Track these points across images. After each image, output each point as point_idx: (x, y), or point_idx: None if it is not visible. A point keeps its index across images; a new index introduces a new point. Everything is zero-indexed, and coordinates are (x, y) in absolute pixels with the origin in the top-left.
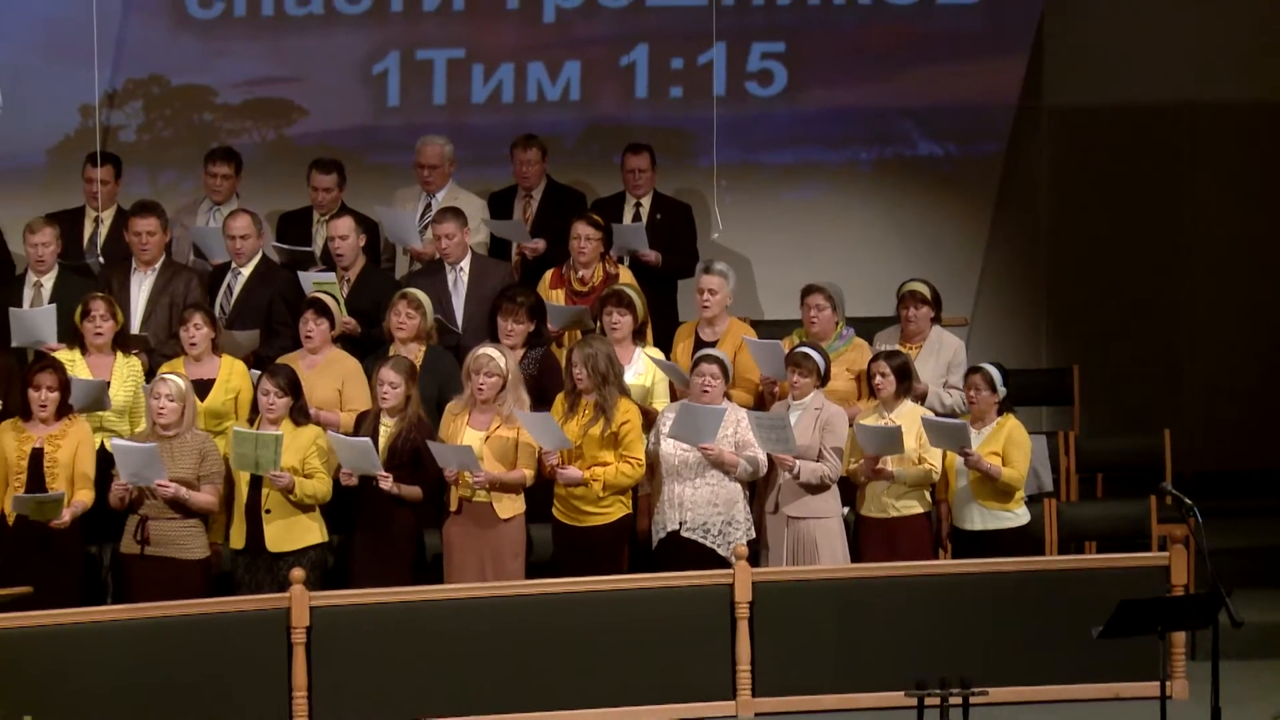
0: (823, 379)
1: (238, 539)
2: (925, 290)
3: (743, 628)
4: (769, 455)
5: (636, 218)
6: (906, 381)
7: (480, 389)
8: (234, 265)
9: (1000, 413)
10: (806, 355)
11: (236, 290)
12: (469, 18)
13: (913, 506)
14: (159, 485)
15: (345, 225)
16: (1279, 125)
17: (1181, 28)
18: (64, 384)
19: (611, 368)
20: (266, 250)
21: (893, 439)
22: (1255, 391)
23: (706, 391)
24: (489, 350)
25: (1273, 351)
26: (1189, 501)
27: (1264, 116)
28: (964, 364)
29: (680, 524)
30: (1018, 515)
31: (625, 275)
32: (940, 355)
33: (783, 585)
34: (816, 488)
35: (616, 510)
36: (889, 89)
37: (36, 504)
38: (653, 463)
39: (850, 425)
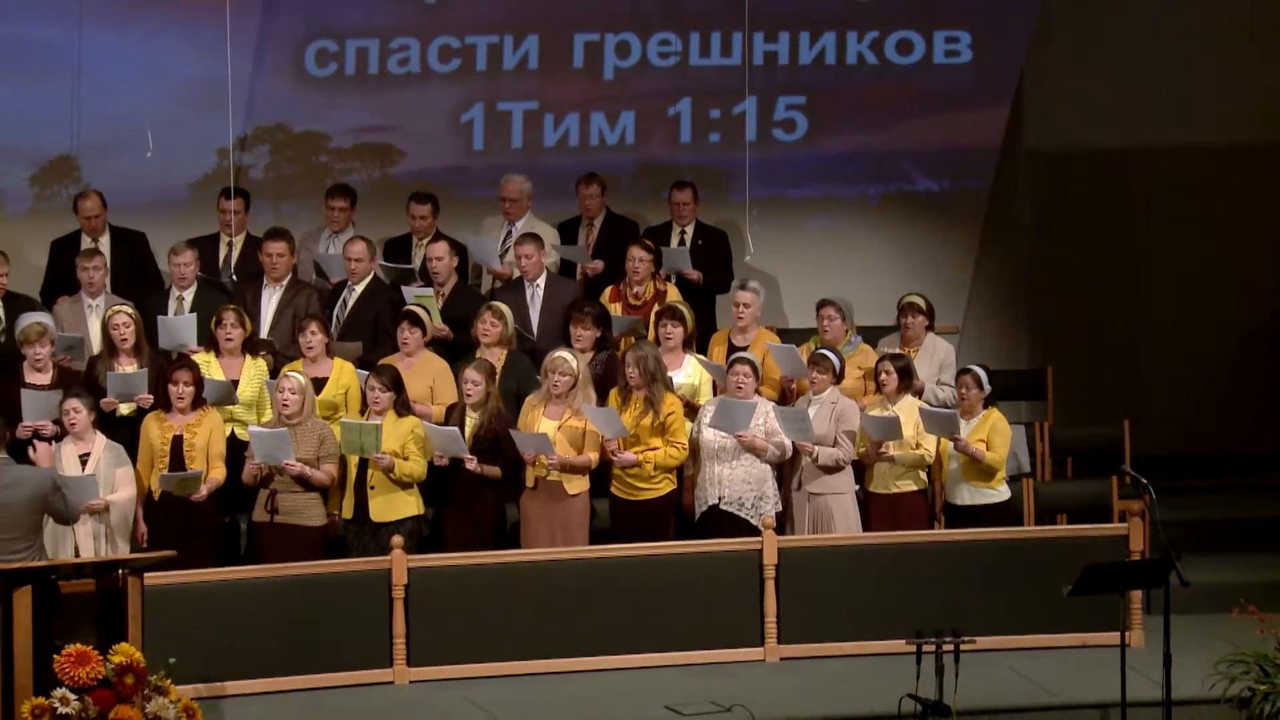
0: (838, 377)
1: (348, 510)
2: (922, 303)
3: (770, 586)
4: (793, 442)
5: (681, 242)
6: (907, 379)
7: (555, 386)
8: (349, 283)
9: (985, 406)
10: (825, 357)
11: (350, 304)
12: (541, 75)
13: (911, 485)
14: (286, 464)
15: (441, 248)
16: (1226, 165)
17: (1141, 83)
18: (198, 380)
19: (659, 368)
20: (375, 270)
21: (894, 428)
22: (1200, 390)
23: (740, 388)
24: (563, 353)
25: (1217, 359)
26: (1144, 481)
27: (1213, 158)
28: (955, 365)
29: (719, 499)
30: (1000, 493)
31: (672, 291)
32: (935, 357)
33: (804, 550)
34: (832, 468)
35: (665, 487)
36: (892, 135)
37: (179, 481)
38: (695, 448)
39: (860, 417)
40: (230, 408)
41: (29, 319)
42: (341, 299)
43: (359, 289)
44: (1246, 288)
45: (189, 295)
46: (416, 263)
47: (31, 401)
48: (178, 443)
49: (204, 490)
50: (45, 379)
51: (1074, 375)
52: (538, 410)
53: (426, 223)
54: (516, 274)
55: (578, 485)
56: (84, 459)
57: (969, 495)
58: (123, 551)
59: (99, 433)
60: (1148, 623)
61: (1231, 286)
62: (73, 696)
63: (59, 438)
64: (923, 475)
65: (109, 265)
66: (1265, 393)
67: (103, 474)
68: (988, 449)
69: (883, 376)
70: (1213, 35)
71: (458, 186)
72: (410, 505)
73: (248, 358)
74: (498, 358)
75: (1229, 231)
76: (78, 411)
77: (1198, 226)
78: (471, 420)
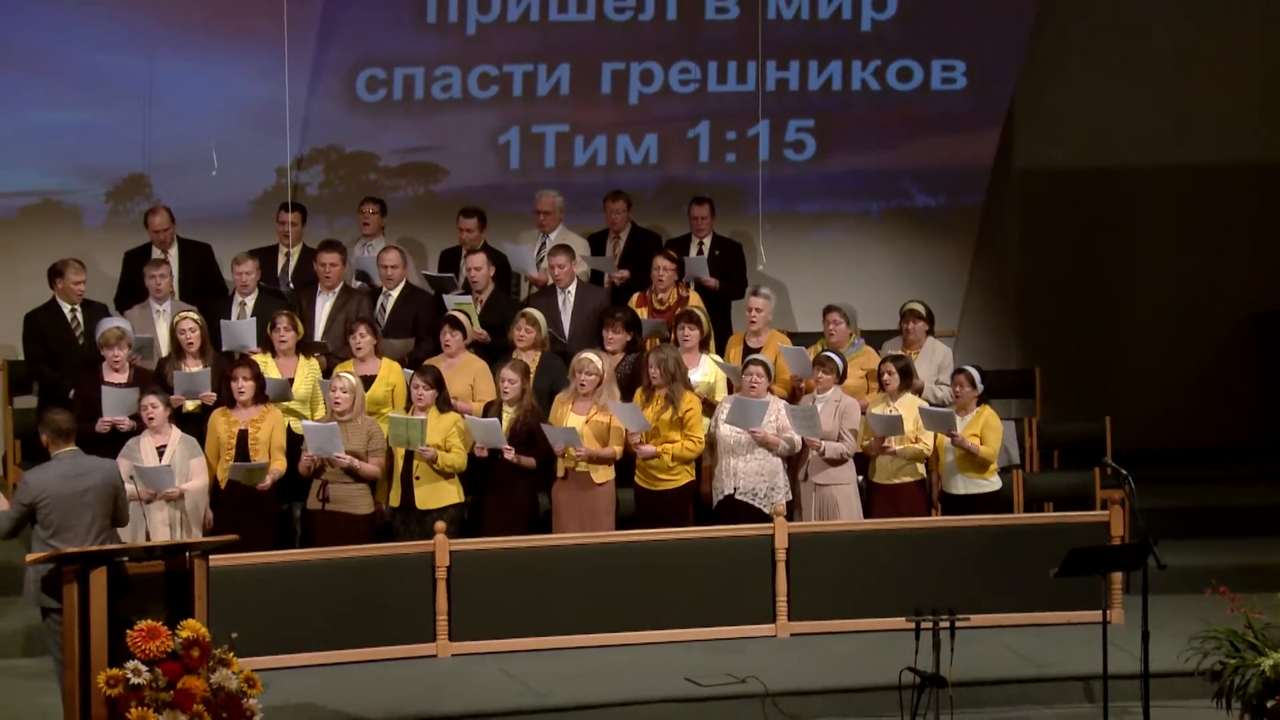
0: (841, 377)
1: (395, 499)
2: (921, 309)
3: (780, 569)
4: (802, 437)
5: (700, 253)
6: (908, 379)
7: (582, 384)
8: (385, 289)
9: (979, 404)
10: (829, 359)
11: (389, 308)
12: (572, 100)
13: (910, 476)
14: (337, 457)
15: (480, 259)
16: (1201, 184)
17: (1122, 109)
18: (258, 377)
19: (679, 368)
20: (411, 277)
21: (897, 425)
22: (1176, 390)
23: (754, 387)
24: (590, 355)
25: (1192, 361)
26: (1124, 472)
27: (1188, 177)
28: (951, 366)
29: (734, 489)
30: (992, 483)
31: (693, 297)
32: (933, 359)
33: (811, 536)
34: (837, 461)
35: (684, 478)
36: (893, 155)
37: (247, 471)
38: (712, 442)
39: (863, 413)
40: (286, 404)
41: (109, 323)
42: (379, 303)
43: (395, 294)
44: (1219, 297)
45: (251, 301)
46: (462, 272)
47: (111, 398)
48: (243, 436)
49: (268, 480)
50: (123, 378)
51: (1060, 375)
52: (567, 406)
53: (474, 235)
54: (550, 281)
55: (604, 475)
56: (161, 450)
57: (964, 485)
58: (195, 535)
59: (174, 426)
60: (1127, 602)
61: (1205, 295)
62: (144, 668)
63: (135, 432)
64: (921, 467)
65: (176, 274)
66: (1235, 393)
67: (178, 464)
68: (981, 443)
69: (885, 376)
70: (1185, 66)
71: (496, 202)
72: (452, 494)
73: (301, 358)
74: (532, 359)
75: (1203, 244)
76: (155, 407)
77: (1174, 240)
78: (508, 415)
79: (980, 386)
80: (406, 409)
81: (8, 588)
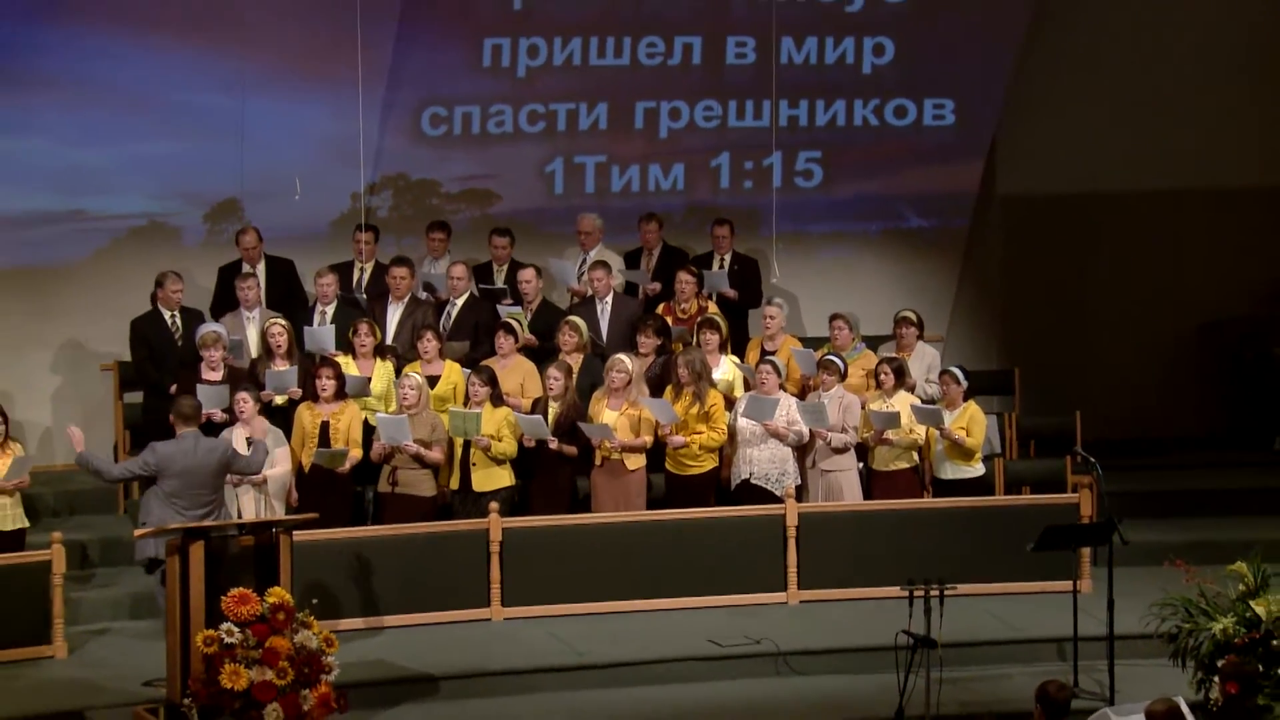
0: (844, 376)
1: (455, 482)
2: (913, 316)
3: (791, 544)
4: (810, 429)
5: (721, 267)
6: (902, 378)
7: (613, 381)
8: (451, 298)
9: (965, 400)
10: (831, 361)
11: (454, 315)
12: (610, 135)
13: (905, 463)
14: (405, 445)
15: (530, 273)
16: (1160, 207)
17: (1092, 142)
18: (338, 376)
19: (704, 368)
20: (471, 288)
21: (894, 420)
22: (1138, 388)
23: (764, 384)
24: (621, 356)
25: (1151, 363)
26: (1092, 460)
27: (1149, 201)
28: (939, 367)
29: (750, 474)
30: (977, 469)
31: (713, 307)
32: (924, 361)
33: (818, 515)
34: (841, 450)
35: (708, 464)
36: (891, 182)
37: (330, 456)
38: (732, 433)
39: (863, 408)
40: (365, 399)
41: (206, 328)
42: (446, 311)
43: (459, 303)
44: (1173, 307)
45: (330, 310)
46: (498, 283)
47: (205, 394)
48: (324, 427)
49: (347, 465)
50: (217, 376)
51: (1036, 375)
52: (602, 403)
53: (505, 251)
54: (590, 293)
55: (636, 462)
56: (250, 440)
57: (951, 471)
58: (279, 514)
59: (263, 418)
60: (1095, 573)
61: (1161, 306)
62: (236, 629)
63: (227, 423)
64: (914, 455)
65: (264, 286)
66: (1188, 391)
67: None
68: (967, 435)
69: (882, 376)
70: (1147, 106)
71: (542, 223)
72: (504, 478)
73: (377, 360)
74: (575, 361)
75: (1159, 262)
76: (246, 402)
77: (1135, 258)
78: (553, 410)
79: (965, 385)
80: (465, 404)
81: (116, 559)
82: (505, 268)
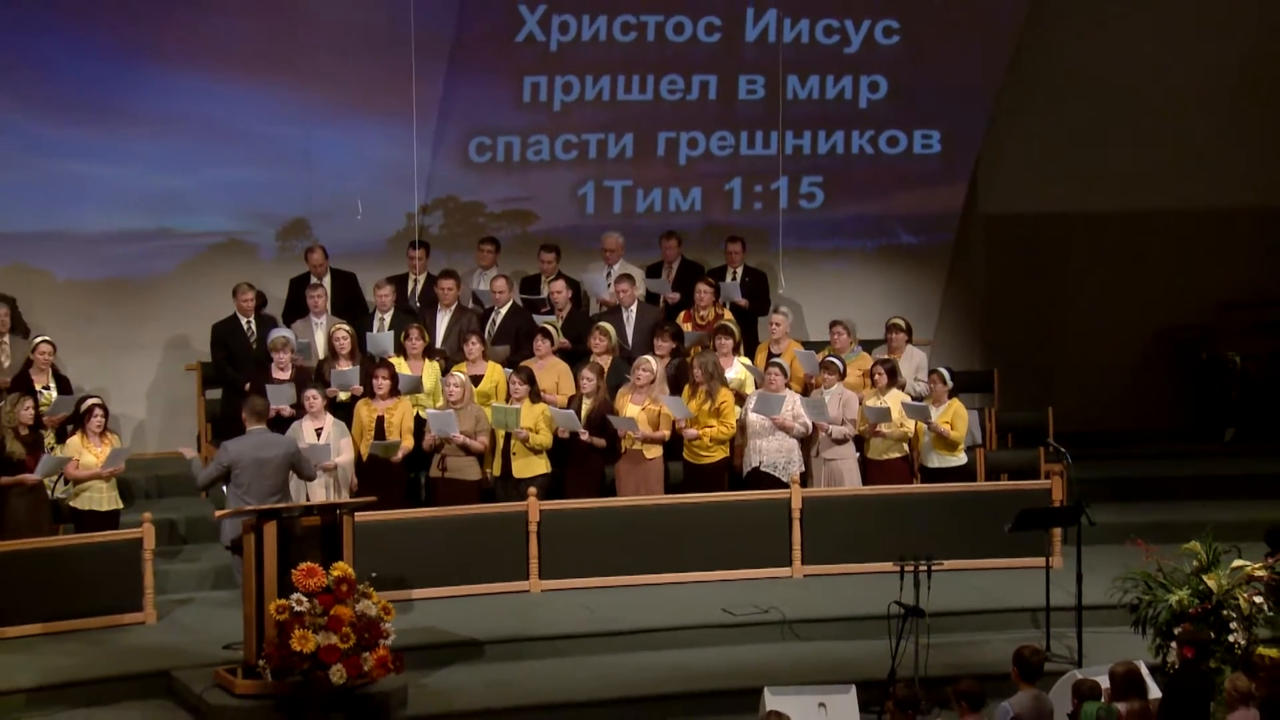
0: (842, 376)
1: (497, 469)
2: (903, 323)
3: (796, 525)
4: (813, 422)
5: (734, 279)
6: (894, 378)
7: (639, 378)
8: (495, 306)
9: (949, 397)
10: (831, 363)
11: (498, 322)
12: (635, 162)
13: (897, 454)
14: (453, 436)
15: (561, 285)
16: (1127, 226)
17: (1065, 165)
18: (394, 376)
19: (716, 369)
20: (514, 299)
21: (887, 415)
22: (1104, 386)
23: (772, 383)
24: (645, 358)
25: (1116, 364)
26: (1063, 450)
27: (1117, 221)
28: (927, 367)
29: (759, 463)
30: (960, 459)
31: (728, 314)
32: (913, 362)
33: (820, 499)
34: (840, 441)
35: (720, 454)
36: (885, 202)
37: (384, 447)
38: (743, 425)
39: (860, 404)
40: (417, 396)
41: (277, 333)
42: (491, 318)
43: (503, 311)
44: (1138, 313)
45: (388, 317)
46: (543, 293)
47: (274, 392)
48: (380, 421)
49: (400, 454)
50: (286, 375)
51: (1014, 374)
52: (626, 398)
53: (551, 265)
54: (616, 302)
55: (655, 452)
56: (318, 432)
57: (938, 461)
58: (344, 497)
59: (329, 413)
60: (1065, 550)
61: (1128, 312)
62: (305, 599)
63: (295, 417)
64: (905, 446)
65: (329, 296)
66: (1150, 388)
67: (332, 442)
68: (951, 429)
69: (876, 375)
70: (1116, 135)
71: (574, 240)
72: (541, 466)
73: (427, 361)
74: (605, 362)
75: (1126, 273)
76: (315, 398)
77: (1104, 269)
78: (585, 406)
79: (950, 383)
80: (506, 400)
81: (200, 537)
82: (552, 279)
